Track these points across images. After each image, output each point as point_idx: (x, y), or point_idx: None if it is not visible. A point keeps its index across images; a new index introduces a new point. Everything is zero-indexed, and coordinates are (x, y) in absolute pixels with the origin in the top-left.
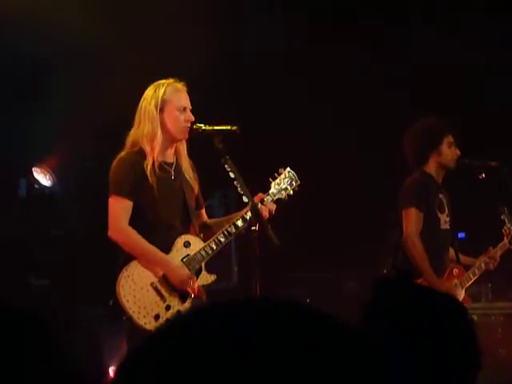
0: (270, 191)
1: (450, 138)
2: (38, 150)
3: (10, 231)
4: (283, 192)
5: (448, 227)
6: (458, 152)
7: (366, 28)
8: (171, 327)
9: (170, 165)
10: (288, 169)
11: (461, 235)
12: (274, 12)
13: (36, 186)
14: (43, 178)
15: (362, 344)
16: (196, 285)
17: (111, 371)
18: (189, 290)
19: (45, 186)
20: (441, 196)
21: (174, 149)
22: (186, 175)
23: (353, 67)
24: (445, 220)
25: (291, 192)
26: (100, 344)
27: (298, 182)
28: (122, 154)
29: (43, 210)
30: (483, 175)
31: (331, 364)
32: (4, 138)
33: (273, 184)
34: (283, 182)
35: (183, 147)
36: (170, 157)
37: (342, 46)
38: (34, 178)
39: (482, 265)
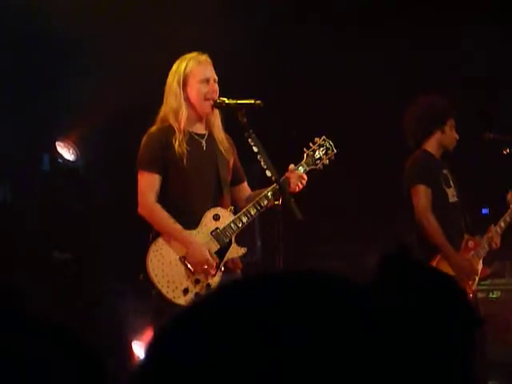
0: (303, 161)
1: (452, 121)
2: (61, 125)
3: (33, 206)
4: (318, 162)
5: (456, 199)
6: (457, 136)
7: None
8: (205, 302)
9: (202, 136)
10: (323, 137)
11: (485, 211)
12: None
13: (59, 160)
14: (67, 152)
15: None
16: (214, 268)
17: (133, 346)
18: (202, 272)
19: (68, 161)
20: (445, 172)
21: (204, 121)
22: (221, 147)
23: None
24: (452, 194)
25: (327, 162)
26: (123, 319)
27: (335, 151)
28: (152, 129)
29: (67, 184)
30: (508, 150)
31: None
32: (27, 113)
33: (306, 154)
34: (318, 152)
35: (216, 119)
36: (200, 128)
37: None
38: (58, 152)
39: (495, 231)
